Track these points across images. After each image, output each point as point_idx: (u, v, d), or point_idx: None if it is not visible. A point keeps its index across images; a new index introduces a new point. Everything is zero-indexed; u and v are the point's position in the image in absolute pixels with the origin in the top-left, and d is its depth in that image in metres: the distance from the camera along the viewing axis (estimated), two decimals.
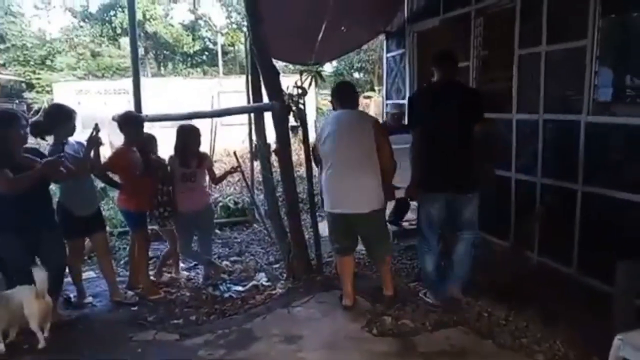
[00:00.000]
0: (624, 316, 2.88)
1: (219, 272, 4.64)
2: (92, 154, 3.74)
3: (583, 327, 3.09)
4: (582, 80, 3.67)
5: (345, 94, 3.60)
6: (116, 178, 4.30)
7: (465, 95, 3.46)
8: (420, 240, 3.60)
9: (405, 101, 6.23)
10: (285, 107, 4.08)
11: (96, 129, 3.70)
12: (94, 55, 22.99)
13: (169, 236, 4.64)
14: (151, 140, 4.50)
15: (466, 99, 3.41)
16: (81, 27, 24.65)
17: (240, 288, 4.40)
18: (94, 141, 3.70)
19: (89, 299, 4.13)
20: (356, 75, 20.85)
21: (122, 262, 5.07)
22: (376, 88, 17.96)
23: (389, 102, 6.87)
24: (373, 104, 15.66)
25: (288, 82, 4.32)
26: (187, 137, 4.38)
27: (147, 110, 5.55)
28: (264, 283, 4.47)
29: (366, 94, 17.77)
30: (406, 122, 4.21)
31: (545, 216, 4.03)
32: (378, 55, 17.84)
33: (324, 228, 5.57)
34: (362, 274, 4.45)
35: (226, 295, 4.24)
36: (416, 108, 3.49)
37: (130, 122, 4.17)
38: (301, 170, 7.78)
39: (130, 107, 5.15)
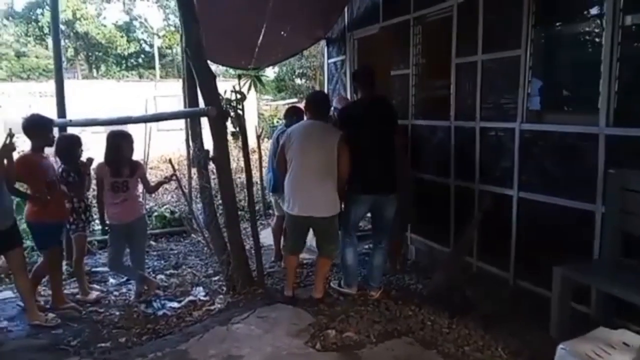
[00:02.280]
0: (561, 319, 2.95)
1: (152, 288, 4.36)
2: (5, 162, 3.39)
3: (523, 332, 3.13)
4: (517, 88, 3.75)
5: (318, 105, 3.92)
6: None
7: (386, 109, 3.96)
8: (344, 235, 3.95)
9: None
10: (222, 113, 3.90)
11: (10, 134, 3.37)
12: (19, 55, 21.52)
13: (78, 244, 4.32)
14: (73, 143, 4.20)
15: (387, 112, 3.93)
16: (5, 25, 23.00)
17: (175, 304, 4.15)
18: (8, 148, 3.36)
19: (4, 323, 3.75)
20: (298, 81, 20.81)
21: (44, 280, 4.66)
22: None
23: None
24: None
25: (226, 86, 4.15)
26: (119, 144, 4.12)
27: (75, 114, 5.19)
28: (201, 298, 4.25)
29: None
30: None
31: (483, 222, 4.09)
32: (319, 61, 17.94)
33: (265, 237, 5.44)
34: (305, 284, 4.36)
35: (160, 312, 3.99)
36: (346, 120, 3.87)
37: (37, 126, 3.85)
38: (242, 177, 7.60)
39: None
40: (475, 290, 3.87)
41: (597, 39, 3.21)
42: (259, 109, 18.03)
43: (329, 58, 6.84)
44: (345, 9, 6.16)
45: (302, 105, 4.36)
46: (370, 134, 3.74)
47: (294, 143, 3.67)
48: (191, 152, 5.11)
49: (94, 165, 4.31)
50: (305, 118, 4.12)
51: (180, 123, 7.57)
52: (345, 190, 3.77)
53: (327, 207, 3.66)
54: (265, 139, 11.77)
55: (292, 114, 4.70)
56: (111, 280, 4.84)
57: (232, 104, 4.00)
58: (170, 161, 5.94)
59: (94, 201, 4.46)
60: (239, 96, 4.02)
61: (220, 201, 4.33)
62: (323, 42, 7.06)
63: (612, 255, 3.02)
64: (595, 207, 3.22)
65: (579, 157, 3.35)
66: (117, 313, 4.02)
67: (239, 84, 4.05)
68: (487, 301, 3.66)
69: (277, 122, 16.34)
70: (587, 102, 3.32)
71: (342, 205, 3.85)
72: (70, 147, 4.24)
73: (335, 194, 3.68)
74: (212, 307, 3.99)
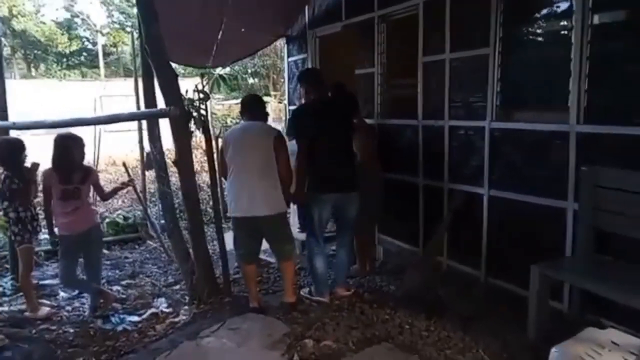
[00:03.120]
0: (539, 318, 2.94)
1: (109, 301, 4.06)
2: None
3: (501, 332, 3.11)
4: (486, 87, 3.75)
5: (253, 107, 3.85)
6: None
7: (340, 108, 3.99)
8: (310, 241, 3.89)
9: None
10: (185, 113, 3.67)
11: None
12: None
13: (24, 257, 3.97)
14: (16, 148, 3.89)
15: (341, 110, 3.93)
16: None
17: (136, 318, 3.87)
18: None
19: None
20: (251, 80, 20.48)
21: None
22: (272, 93, 17.78)
23: (292, 107, 6.67)
24: (270, 109, 15.42)
25: (187, 85, 3.92)
26: (68, 148, 3.80)
27: (15, 116, 4.80)
28: (164, 309, 3.99)
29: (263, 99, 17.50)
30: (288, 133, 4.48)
31: (454, 220, 4.07)
32: (272, 60, 17.71)
33: (230, 240, 5.22)
34: (274, 290, 4.20)
35: (119, 328, 3.69)
36: (303, 122, 3.82)
37: None
38: (203, 176, 7.31)
39: None
40: (448, 290, 3.83)
41: (566, 37, 3.23)
42: (212, 108, 17.60)
43: (289, 56, 6.68)
44: (307, 7, 6.03)
45: None
46: (327, 134, 3.71)
47: (231, 146, 3.63)
48: (147, 154, 4.84)
49: (41, 170, 3.98)
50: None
51: (131, 124, 7.18)
52: (290, 191, 3.73)
53: (269, 205, 3.56)
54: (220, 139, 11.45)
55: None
56: (62, 294, 4.47)
57: (194, 104, 3.78)
58: (124, 165, 5.60)
59: (41, 209, 4.10)
60: (202, 95, 3.80)
61: (179, 204, 4.11)
62: (281, 41, 6.90)
63: (586, 252, 3.05)
64: (567, 204, 3.25)
65: (549, 155, 3.38)
66: (72, 330, 3.70)
67: (202, 82, 3.83)
68: (461, 301, 3.63)
69: (231, 121, 16.03)
70: (558, 100, 3.35)
71: (301, 206, 3.94)
72: (13, 152, 3.89)
73: (278, 192, 3.60)
74: (177, 320, 3.75)
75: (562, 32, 3.41)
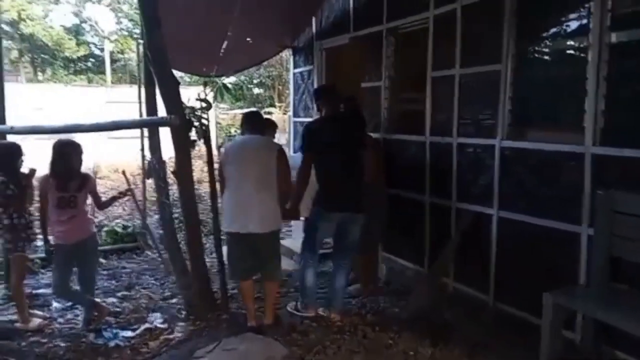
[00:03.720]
0: (551, 349, 2.80)
1: (103, 315, 3.92)
2: None
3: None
4: (497, 104, 3.64)
5: (252, 122, 3.82)
6: None
7: (352, 125, 3.91)
8: (306, 254, 3.85)
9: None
10: (186, 123, 3.57)
11: None
12: None
13: (16, 266, 3.86)
14: (13, 153, 3.81)
15: (353, 128, 3.86)
16: None
17: (129, 333, 3.73)
18: None
19: None
20: (256, 90, 20.46)
21: None
22: (277, 104, 17.74)
23: (296, 119, 6.58)
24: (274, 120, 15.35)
25: (189, 94, 3.83)
26: (66, 155, 3.71)
27: (19, 119, 4.73)
28: (158, 325, 3.84)
29: (267, 109, 17.48)
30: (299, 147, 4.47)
31: (461, 241, 3.93)
32: (278, 71, 17.70)
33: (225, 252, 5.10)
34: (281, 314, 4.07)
35: (112, 343, 3.56)
36: (313, 135, 3.74)
37: None
38: (202, 188, 7.21)
39: None
40: (455, 314, 3.69)
41: (582, 55, 3.12)
42: (217, 117, 17.56)
43: (295, 67, 6.61)
44: (314, 18, 5.96)
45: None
46: (338, 151, 3.67)
47: (230, 160, 3.60)
48: (147, 163, 4.75)
49: (37, 176, 3.88)
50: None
51: (135, 130, 7.11)
52: (287, 207, 3.66)
53: (265, 222, 3.50)
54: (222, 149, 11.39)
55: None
56: (55, 305, 4.34)
57: (196, 113, 3.68)
58: (124, 173, 5.48)
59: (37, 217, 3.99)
60: (204, 104, 3.70)
61: (179, 215, 4.00)
62: (286, 52, 6.83)
63: (602, 280, 2.90)
64: (581, 229, 3.12)
65: (563, 177, 3.25)
66: (63, 344, 3.56)
67: (205, 91, 3.73)
68: (468, 326, 3.49)
69: (235, 131, 15.99)
70: (572, 120, 3.23)
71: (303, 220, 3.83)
72: (9, 156, 3.79)
73: (276, 208, 3.55)
74: (171, 336, 3.62)
75: (578, 50, 3.30)
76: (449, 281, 4.13)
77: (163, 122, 3.64)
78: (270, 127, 4.48)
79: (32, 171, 3.89)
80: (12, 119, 4.72)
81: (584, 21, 3.13)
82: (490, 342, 3.24)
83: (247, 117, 3.92)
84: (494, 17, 3.61)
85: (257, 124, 3.82)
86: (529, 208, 3.46)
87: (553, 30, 3.49)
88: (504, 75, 3.59)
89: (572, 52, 3.41)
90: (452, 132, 4.05)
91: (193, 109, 3.68)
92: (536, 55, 3.67)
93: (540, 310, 2.85)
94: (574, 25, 3.28)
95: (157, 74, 3.58)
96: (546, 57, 3.70)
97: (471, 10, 3.82)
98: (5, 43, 21.61)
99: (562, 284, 3.04)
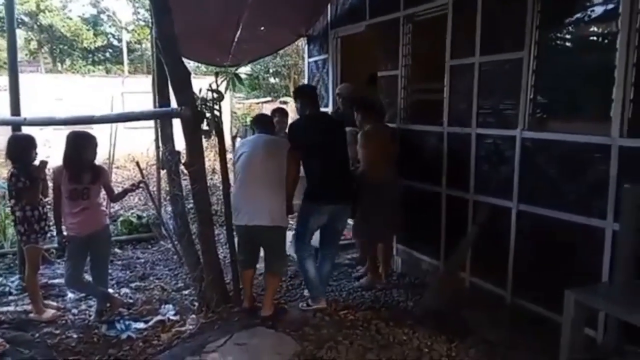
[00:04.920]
0: (572, 347, 2.69)
1: (116, 306, 3.93)
2: None
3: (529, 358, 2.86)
4: (518, 93, 3.50)
5: (262, 123, 4.01)
6: None
7: (334, 122, 4.18)
8: (301, 247, 3.88)
9: (329, 109, 5.90)
10: (197, 114, 3.50)
11: None
12: None
13: (30, 258, 3.85)
14: (27, 144, 3.79)
15: (335, 125, 4.06)
16: None
17: (142, 325, 3.72)
18: None
19: None
20: (272, 80, 20.38)
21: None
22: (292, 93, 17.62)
23: None
24: (290, 110, 15.27)
25: (201, 84, 3.75)
26: (79, 147, 3.69)
27: (38, 109, 4.73)
28: (171, 317, 3.82)
29: (282, 99, 17.38)
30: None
31: (479, 235, 3.82)
32: (294, 60, 17.56)
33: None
34: (286, 300, 4.02)
35: (124, 335, 3.55)
36: (302, 133, 3.84)
37: None
38: (214, 179, 7.18)
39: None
40: (471, 309, 3.59)
41: (611, 42, 2.96)
42: (232, 107, 17.54)
43: (309, 57, 6.50)
44: (329, 6, 5.83)
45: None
46: (321, 146, 3.77)
47: (243, 155, 3.73)
48: (161, 155, 4.71)
49: (52, 167, 3.87)
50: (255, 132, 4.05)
51: (150, 121, 7.11)
52: (292, 201, 3.81)
53: (273, 216, 3.61)
54: (239, 138, 11.35)
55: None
56: (70, 295, 4.36)
57: (208, 104, 3.61)
58: (137, 164, 5.46)
59: (51, 208, 3.99)
60: (216, 95, 3.63)
61: (191, 206, 3.97)
62: (301, 41, 6.71)
63: (626, 278, 2.77)
64: (605, 224, 2.98)
65: (587, 169, 3.11)
66: (75, 336, 3.57)
67: (216, 81, 3.65)
68: (485, 322, 3.39)
69: (250, 121, 15.99)
70: (598, 110, 3.09)
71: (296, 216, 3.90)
72: (22, 149, 3.79)
73: (284, 204, 3.69)
74: (183, 329, 3.59)
75: (606, 36, 3.14)
76: (465, 275, 4.03)
77: (173, 114, 3.58)
78: (281, 114, 4.71)
79: (43, 163, 3.88)
80: (34, 110, 4.70)
81: (613, 5, 2.97)
82: (508, 339, 3.14)
83: (256, 119, 4.13)
84: (517, 2, 3.45)
85: (266, 124, 3.99)
86: (550, 201, 3.32)
87: (579, 15, 3.32)
88: (527, 63, 3.44)
89: (599, 38, 3.25)
90: (471, 122, 3.92)
91: (205, 100, 3.61)
92: (561, 41, 3.51)
93: (560, 307, 2.72)
94: (601, 9, 3.11)
95: (167, 64, 3.51)
96: (571, 44, 3.53)
97: None
98: (24, 34, 21.91)
99: (584, 280, 2.91)
